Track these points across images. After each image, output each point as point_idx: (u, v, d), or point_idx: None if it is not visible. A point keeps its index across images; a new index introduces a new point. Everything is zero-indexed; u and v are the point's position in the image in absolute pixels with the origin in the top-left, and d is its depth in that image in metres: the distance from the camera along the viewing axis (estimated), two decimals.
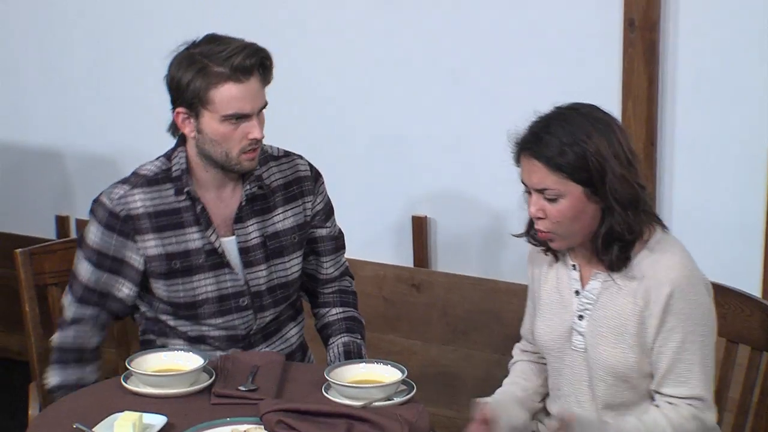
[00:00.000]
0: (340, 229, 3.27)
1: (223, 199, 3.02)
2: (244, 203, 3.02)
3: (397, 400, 2.75)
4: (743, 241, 3.56)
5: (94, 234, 3.00)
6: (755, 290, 3.50)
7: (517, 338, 3.94)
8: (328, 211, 3.22)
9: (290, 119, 4.26)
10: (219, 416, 2.67)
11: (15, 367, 4.68)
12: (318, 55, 4.15)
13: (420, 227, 4.08)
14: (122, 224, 2.97)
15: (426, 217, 4.08)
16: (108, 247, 2.99)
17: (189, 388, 2.82)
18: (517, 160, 2.68)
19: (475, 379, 4.08)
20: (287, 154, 3.17)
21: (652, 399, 2.71)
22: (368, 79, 4.08)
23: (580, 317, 2.73)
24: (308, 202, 3.14)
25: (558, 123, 2.61)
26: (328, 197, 3.22)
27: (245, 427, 2.60)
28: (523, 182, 2.68)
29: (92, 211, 3.02)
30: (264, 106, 2.97)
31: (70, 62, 4.63)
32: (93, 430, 2.59)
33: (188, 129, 2.94)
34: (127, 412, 2.61)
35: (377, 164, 4.13)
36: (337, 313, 3.23)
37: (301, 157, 3.20)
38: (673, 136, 3.60)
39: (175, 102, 2.94)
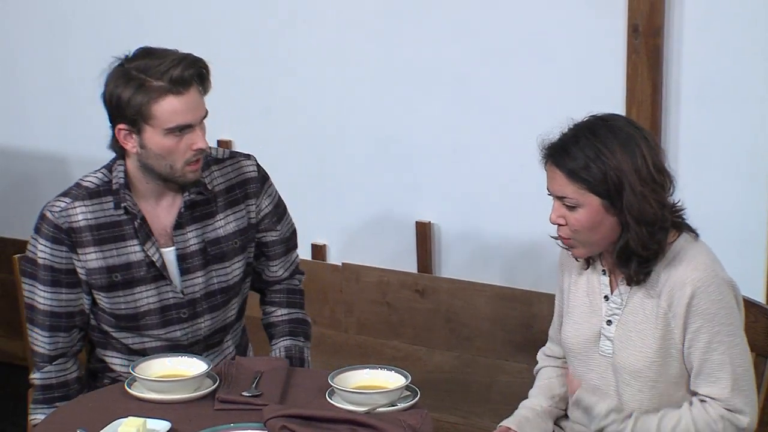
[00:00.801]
0: (293, 229, 3.27)
1: (163, 209, 3.03)
2: (183, 210, 3.02)
3: (400, 405, 2.75)
4: (747, 247, 3.56)
5: (42, 251, 2.99)
6: (759, 296, 3.50)
7: (521, 344, 3.95)
8: (279, 213, 3.20)
9: (294, 125, 4.26)
10: (223, 422, 2.67)
11: (16, 372, 4.68)
12: (322, 62, 4.15)
13: (424, 233, 4.08)
14: (66, 236, 2.97)
15: (430, 222, 4.08)
16: (60, 260, 2.98)
17: (193, 394, 2.81)
18: (544, 166, 2.71)
19: (479, 385, 4.07)
20: (233, 155, 3.16)
21: (681, 406, 2.72)
22: (372, 85, 4.08)
23: (609, 322, 2.75)
24: (252, 205, 3.13)
25: (585, 136, 2.64)
26: (279, 198, 3.21)
27: None
28: (547, 188, 2.71)
29: (37, 229, 3.00)
30: (205, 116, 2.95)
31: (75, 67, 4.63)
32: None
33: (130, 145, 2.93)
34: (131, 418, 2.61)
35: (381, 170, 4.12)
36: (282, 315, 3.24)
37: (248, 158, 3.18)
38: (678, 142, 3.59)
39: (115, 119, 2.93)
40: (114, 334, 3.08)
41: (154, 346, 3.07)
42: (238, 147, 4.36)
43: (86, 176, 3.05)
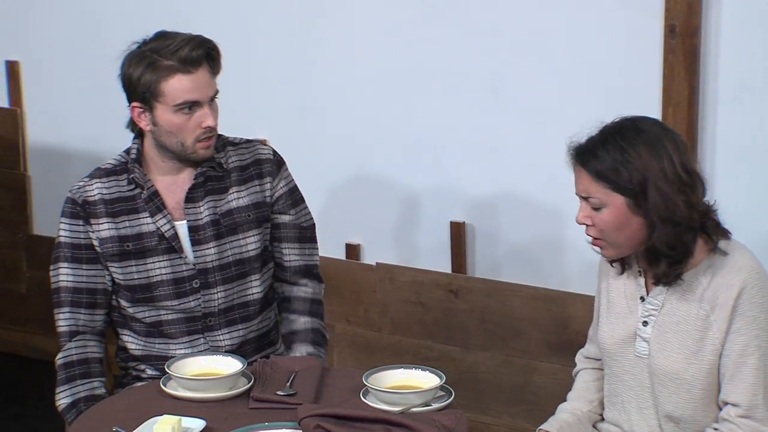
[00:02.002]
0: (311, 223, 3.29)
1: (178, 185, 3.11)
2: (194, 182, 3.09)
3: (435, 406, 2.75)
4: None
5: (63, 230, 3.12)
6: None
7: (556, 345, 3.94)
8: (295, 198, 3.24)
9: (329, 125, 4.27)
10: (257, 420, 2.68)
11: (53, 369, 4.72)
12: (358, 62, 4.15)
13: (458, 233, 4.07)
14: (81, 209, 3.08)
15: (464, 222, 4.07)
16: (78, 235, 3.09)
17: (228, 393, 2.83)
18: (572, 167, 2.73)
19: (513, 386, 4.07)
20: (249, 141, 3.24)
21: (716, 415, 2.70)
22: (407, 85, 4.07)
23: (645, 323, 2.74)
24: (267, 183, 3.19)
25: (612, 137, 2.65)
26: (295, 186, 3.26)
27: (284, 431, 2.61)
28: (575, 189, 2.73)
29: (62, 212, 3.14)
30: (215, 95, 3.06)
31: (111, 67, 4.64)
32: None
33: (144, 123, 3.05)
34: (166, 416, 2.62)
35: (415, 170, 4.12)
36: (304, 323, 3.24)
37: (264, 145, 3.26)
38: (714, 144, 3.58)
39: (130, 98, 3.05)
40: (130, 310, 3.12)
41: (170, 319, 3.11)
42: (273, 146, 4.35)
43: (109, 160, 3.18)
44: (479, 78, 3.94)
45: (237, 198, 3.14)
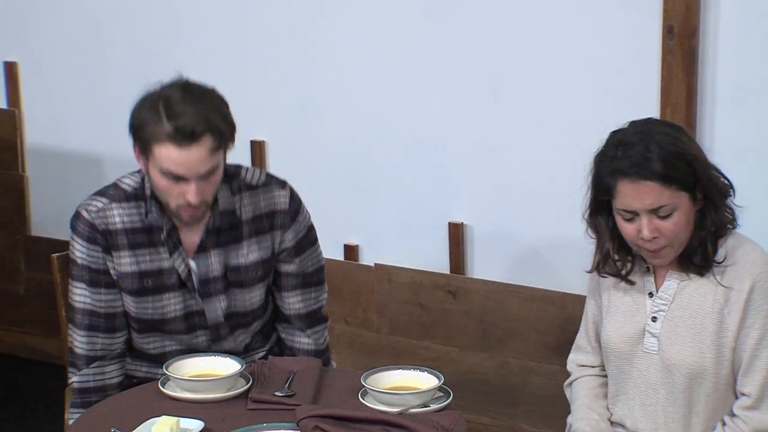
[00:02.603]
0: (318, 266, 3.20)
1: (191, 225, 3.00)
2: (204, 236, 3.00)
3: (433, 406, 2.75)
4: None
5: (80, 251, 3.00)
6: None
7: (555, 346, 3.94)
8: (301, 246, 3.14)
9: (328, 126, 4.27)
10: (256, 421, 2.68)
11: (53, 370, 4.71)
12: (356, 63, 4.15)
13: (457, 234, 4.07)
14: (102, 238, 2.97)
15: (463, 223, 4.07)
16: (95, 260, 2.99)
17: (226, 393, 2.83)
18: (613, 188, 2.65)
19: (511, 387, 4.07)
20: (267, 183, 3.09)
21: (727, 408, 2.71)
22: (406, 86, 4.08)
23: (654, 319, 2.74)
24: (277, 235, 3.09)
25: (642, 140, 2.63)
26: (307, 232, 3.15)
27: None
28: (623, 210, 2.66)
29: (73, 228, 3.01)
30: (213, 170, 2.87)
31: (110, 68, 4.65)
32: None
33: (140, 164, 2.94)
34: (164, 417, 2.62)
35: (414, 171, 4.12)
36: None
37: (283, 187, 3.12)
38: (712, 144, 3.57)
39: (132, 139, 2.92)
40: (137, 339, 3.09)
41: (174, 350, 3.09)
42: (272, 147, 4.38)
43: (123, 178, 3.06)
44: (477, 78, 3.94)
45: (248, 253, 3.06)
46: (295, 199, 3.12)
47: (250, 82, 4.34)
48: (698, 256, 2.69)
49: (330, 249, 4.27)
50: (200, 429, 2.64)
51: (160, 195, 2.93)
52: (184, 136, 2.80)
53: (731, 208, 2.72)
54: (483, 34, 3.90)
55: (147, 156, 2.88)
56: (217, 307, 3.06)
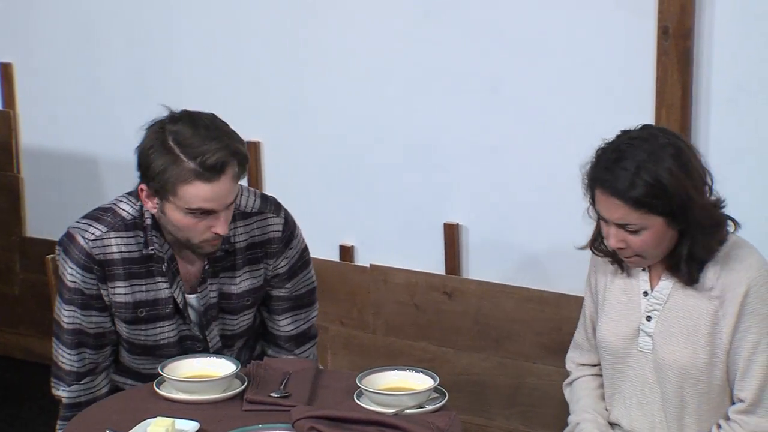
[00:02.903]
0: (310, 288, 3.20)
1: (189, 257, 2.99)
2: (207, 267, 2.99)
3: (429, 407, 2.75)
4: None
5: (72, 275, 2.96)
6: None
7: (550, 347, 3.94)
8: (294, 271, 3.14)
9: (323, 127, 4.27)
10: (251, 422, 2.67)
11: (47, 372, 4.71)
12: (352, 63, 4.15)
13: (452, 235, 4.07)
14: (97, 267, 2.94)
15: (458, 224, 4.07)
16: (90, 287, 2.96)
17: (221, 395, 2.82)
18: (591, 192, 2.68)
19: (507, 388, 4.07)
20: (261, 211, 3.07)
21: (724, 412, 2.71)
22: (402, 87, 4.07)
23: (648, 318, 2.74)
24: (270, 264, 3.09)
25: (642, 161, 2.60)
26: (299, 255, 3.14)
27: None
28: (599, 214, 2.69)
29: (65, 250, 2.96)
30: (233, 202, 2.88)
31: (104, 69, 4.65)
32: None
33: (150, 205, 2.89)
34: (159, 418, 2.62)
35: (409, 172, 4.12)
36: None
37: (277, 214, 3.10)
38: (708, 145, 3.58)
39: (142, 177, 2.87)
40: (128, 359, 3.09)
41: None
42: (267, 148, 4.37)
43: (120, 203, 3.00)
44: (474, 79, 3.94)
45: (240, 282, 3.05)
46: (289, 225, 3.11)
47: (244, 83, 4.34)
48: (681, 272, 2.69)
49: (325, 250, 4.27)
50: (195, 430, 2.64)
51: (179, 233, 2.87)
52: (213, 171, 2.77)
53: (721, 241, 2.68)
54: (479, 35, 3.90)
55: (166, 198, 2.83)
56: (215, 335, 3.08)
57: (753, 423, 2.66)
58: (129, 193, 3.00)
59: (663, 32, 3.53)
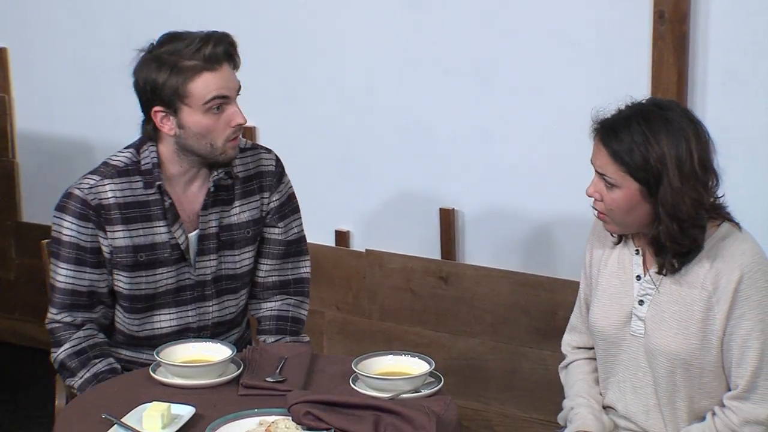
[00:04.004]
0: (300, 237, 3.24)
1: (190, 196, 3.05)
2: (212, 189, 3.04)
3: (424, 392, 2.75)
4: None
5: (68, 228, 2.99)
6: None
7: (545, 331, 3.94)
8: (286, 211, 3.20)
9: (319, 112, 4.26)
10: (247, 407, 2.67)
11: (43, 357, 4.71)
12: (347, 48, 4.15)
13: (448, 219, 4.07)
14: (95, 213, 2.98)
15: (453, 209, 4.07)
16: (86, 238, 2.99)
17: (217, 379, 2.83)
18: (593, 138, 2.72)
19: (502, 372, 4.07)
20: (254, 147, 3.19)
21: (714, 394, 2.72)
22: (397, 72, 4.07)
23: (641, 302, 2.74)
24: (265, 197, 3.15)
25: (637, 121, 2.64)
26: (290, 196, 3.21)
27: (273, 418, 2.61)
28: (591, 160, 2.73)
29: (63, 207, 3.00)
30: (239, 90, 3.00)
31: (98, 51, 4.64)
32: (121, 420, 2.60)
33: (167, 127, 2.96)
34: (155, 403, 2.62)
35: (406, 157, 4.12)
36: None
37: (269, 152, 3.20)
38: None
39: (150, 103, 2.96)
40: (125, 320, 3.08)
41: (163, 333, 3.09)
42: (263, 134, 4.37)
43: (113, 156, 3.06)
44: (467, 64, 3.93)
45: (239, 213, 3.10)
46: (280, 163, 3.20)
47: (241, 68, 4.33)
48: (660, 258, 2.70)
49: (321, 235, 4.27)
50: (191, 415, 2.63)
51: (203, 141, 2.95)
52: (214, 60, 2.92)
53: (696, 237, 2.65)
54: (472, 20, 3.89)
55: (178, 107, 2.93)
56: (207, 265, 3.08)
57: (747, 409, 2.66)
58: (126, 147, 3.07)
59: (659, 16, 3.52)
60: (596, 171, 2.70)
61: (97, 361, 3.02)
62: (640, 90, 3.57)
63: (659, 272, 2.72)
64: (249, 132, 4.33)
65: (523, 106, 3.87)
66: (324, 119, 4.25)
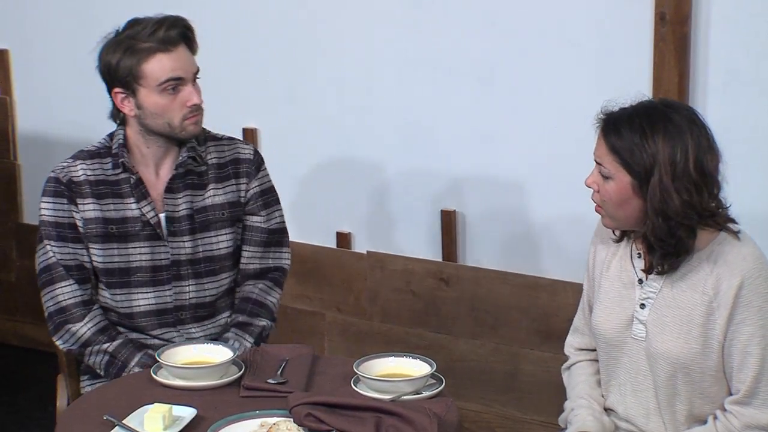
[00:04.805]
0: (281, 226, 3.29)
1: (161, 175, 3.13)
2: (176, 174, 3.11)
3: (425, 393, 2.75)
4: None
5: (46, 209, 3.10)
6: None
7: (546, 333, 3.94)
8: (267, 200, 3.25)
9: (320, 114, 4.26)
10: (248, 409, 2.67)
11: (44, 358, 4.71)
12: (348, 50, 4.15)
13: (449, 221, 4.07)
14: (67, 189, 3.08)
15: (455, 211, 4.07)
16: (62, 215, 3.08)
17: (218, 381, 2.83)
18: (597, 131, 2.75)
19: (503, 374, 4.07)
20: (231, 139, 3.26)
21: (715, 399, 2.72)
22: (398, 73, 4.07)
23: (642, 306, 2.74)
24: (243, 183, 3.21)
25: (639, 117, 2.66)
26: (270, 187, 3.27)
27: (274, 419, 2.61)
28: (593, 152, 2.75)
29: (43, 191, 3.12)
30: (196, 73, 3.07)
31: None
32: (123, 422, 2.60)
33: (128, 108, 3.07)
34: (156, 405, 2.62)
35: (407, 159, 4.12)
36: (233, 318, 3.23)
37: (247, 144, 3.28)
38: None
39: (111, 85, 3.07)
40: (107, 296, 3.12)
41: (142, 311, 3.13)
42: (264, 135, 4.37)
43: (89, 144, 3.19)
44: (469, 66, 3.93)
45: (213, 195, 3.16)
46: (258, 155, 3.26)
47: (241, 70, 4.34)
48: (651, 253, 2.70)
49: (322, 237, 4.28)
50: (193, 416, 2.64)
51: (160, 120, 3.03)
52: (168, 41, 3.01)
53: (683, 239, 2.64)
54: (475, 21, 3.90)
55: (137, 86, 3.02)
56: (180, 246, 3.13)
57: (749, 414, 2.66)
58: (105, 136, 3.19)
59: (660, 18, 3.52)
60: (595, 161, 2.72)
61: (118, 337, 3.10)
62: (642, 92, 3.56)
63: (647, 271, 2.72)
64: (250, 134, 4.33)
65: (524, 108, 3.87)
66: (325, 120, 4.25)
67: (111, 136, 3.15)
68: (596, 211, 2.77)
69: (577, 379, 2.93)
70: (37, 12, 4.75)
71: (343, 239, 4.31)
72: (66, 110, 4.78)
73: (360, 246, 4.30)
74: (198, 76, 3.08)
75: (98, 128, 4.64)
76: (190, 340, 3.08)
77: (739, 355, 2.65)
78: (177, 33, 3.03)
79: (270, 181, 3.27)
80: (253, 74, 4.34)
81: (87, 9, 4.64)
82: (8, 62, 4.87)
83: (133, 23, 3.07)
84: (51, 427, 2.91)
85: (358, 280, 4.29)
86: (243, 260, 3.25)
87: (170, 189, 3.12)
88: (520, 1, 3.81)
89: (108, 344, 3.08)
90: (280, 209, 3.29)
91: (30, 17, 4.77)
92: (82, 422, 2.67)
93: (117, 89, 3.06)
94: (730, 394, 2.70)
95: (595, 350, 2.93)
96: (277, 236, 3.28)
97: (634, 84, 3.58)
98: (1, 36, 4.86)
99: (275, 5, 4.25)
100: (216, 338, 3.16)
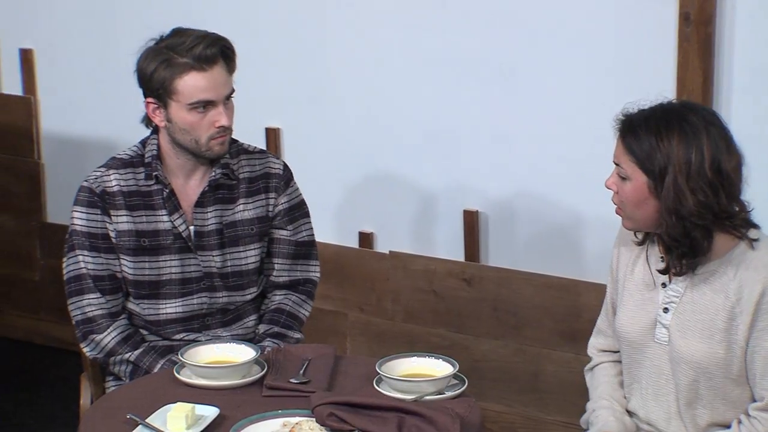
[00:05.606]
0: (310, 239, 3.27)
1: (191, 187, 3.12)
2: (207, 189, 3.10)
3: (448, 394, 2.75)
4: None
5: (79, 218, 3.09)
6: None
7: (568, 334, 3.94)
8: (294, 215, 3.23)
9: (342, 114, 4.26)
10: (271, 408, 2.68)
11: (68, 357, 4.73)
12: (370, 51, 4.15)
13: (471, 222, 4.07)
14: (100, 200, 3.07)
15: (477, 211, 4.07)
16: (95, 224, 3.08)
17: (241, 380, 2.83)
18: (616, 132, 2.75)
19: (526, 374, 4.07)
20: (263, 152, 3.24)
21: (743, 408, 2.70)
22: (421, 74, 4.07)
23: (665, 310, 2.74)
24: (272, 198, 3.19)
25: (656, 118, 2.66)
26: (299, 202, 3.25)
27: (297, 419, 2.61)
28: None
29: (75, 200, 3.11)
30: (231, 94, 3.05)
31: (125, 55, 4.64)
32: (146, 420, 2.60)
33: (158, 119, 3.06)
34: (179, 404, 2.63)
35: (429, 159, 4.12)
36: (261, 329, 3.23)
37: (277, 158, 3.26)
38: None
39: (145, 93, 3.06)
40: (132, 304, 3.13)
41: (169, 319, 3.13)
42: (287, 135, 4.38)
43: (122, 151, 3.16)
44: (491, 66, 3.93)
45: (243, 210, 3.15)
46: (288, 170, 3.24)
47: (265, 69, 4.34)
48: (670, 255, 2.69)
49: (345, 237, 4.28)
50: (215, 415, 2.64)
51: (188, 136, 3.02)
52: (204, 60, 2.97)
53: (698, 240, 2.63)
54: (497, 23, 3.89)
55: (168, 99, 3.00)
56: (210, 260, 3.12)
57: None
58: (137, 143, 3.17)
59: (684, 18, 3.51)
60: (614, 163, 2.72)
61: (143, 343, 3.12)
62: (666, 93, 3.55)
63: (663, 272, 2.71)
64: (273, 133, 4.34)
65: (547, 109, 3.86)
66: (347, 122, 4.25)
67: (143, 143, 3.13)
68: (616, 213, 2.77)
69: (600, 380, 2.92)
70: (61, 12, 4.77)
71: (366, 239, 4.31)
72: (90, 110, 4.79)
73: (382, 246, 4.30)
74: (232, 95, 3.05)
75: (122, 127, 4.66)
76: (214, 339, 3.08)
77: (762, 362, 2.64)
78: (215, 51, 2.99)
79: (299, 195, 3.25)
80: (276, 74, 4.35)
81: (111, 9, 4.65)
82: (33, 62, 4.88)
83: (176, 33, 3.04)
84: (74, 425, 2.92)
85: (381, 280, 4.30)
86: (273, 273, 3.24)
87: (200, 203, 3.10)
88: (543, 2, 3.80)
89: (130, 353, 3.08)
90: (309, 222, 3.27)
91: (55, 17, 4.79)
92: (105, 421, 2.68)
93: (150, 99, 3.04)
94: (753, 400, 2.69)
95: (618, 352, 2.92)
96: (305, 249, 3.26)
97: (657, 85, 3.57)
98: (26, 35, 4.88)
99: (300, 6, 4.25)
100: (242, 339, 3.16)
